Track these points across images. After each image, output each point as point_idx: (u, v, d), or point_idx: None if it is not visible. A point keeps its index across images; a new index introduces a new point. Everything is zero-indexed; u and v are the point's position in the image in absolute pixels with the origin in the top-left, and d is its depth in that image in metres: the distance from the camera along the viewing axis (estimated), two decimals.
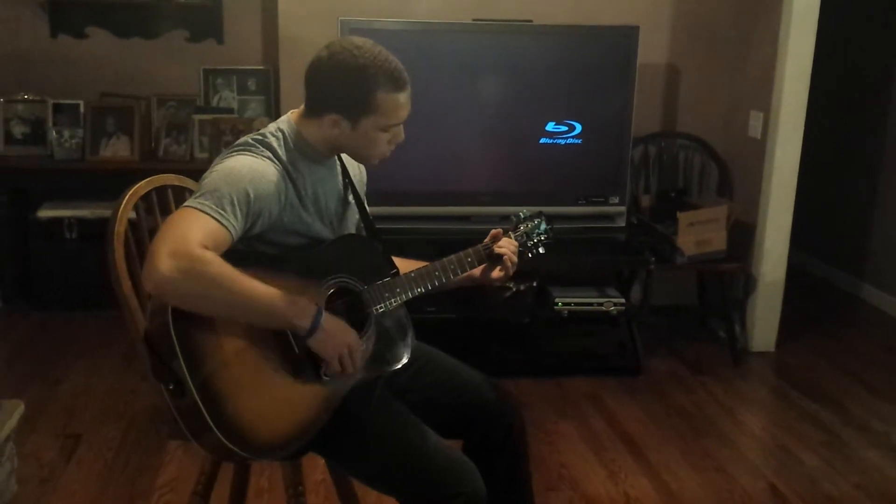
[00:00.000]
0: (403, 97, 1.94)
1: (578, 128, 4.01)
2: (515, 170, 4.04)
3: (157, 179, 2.21)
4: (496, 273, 2.18)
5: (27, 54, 4.52)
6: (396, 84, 1.91)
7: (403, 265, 2.14)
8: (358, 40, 1.92)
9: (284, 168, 1.93)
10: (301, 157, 1.98)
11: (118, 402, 3.51)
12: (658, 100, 4.48)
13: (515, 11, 4.12)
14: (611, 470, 3.14)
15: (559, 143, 4.01)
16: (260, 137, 1.96)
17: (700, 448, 3.32)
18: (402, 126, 1.99)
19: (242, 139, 1.97)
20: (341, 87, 1.90)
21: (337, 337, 1.85)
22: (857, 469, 3.21)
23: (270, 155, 1.92)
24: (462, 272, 2.15)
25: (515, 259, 2.19)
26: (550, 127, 3.99)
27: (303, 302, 1.81)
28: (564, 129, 4.01)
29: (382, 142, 1.98)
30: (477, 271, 2.18)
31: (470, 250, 2.17)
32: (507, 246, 2.19)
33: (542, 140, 4.00)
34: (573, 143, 4.02)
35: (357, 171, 2.20)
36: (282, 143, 1.96)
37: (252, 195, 1.83)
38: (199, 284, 1.70)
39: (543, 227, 2.30)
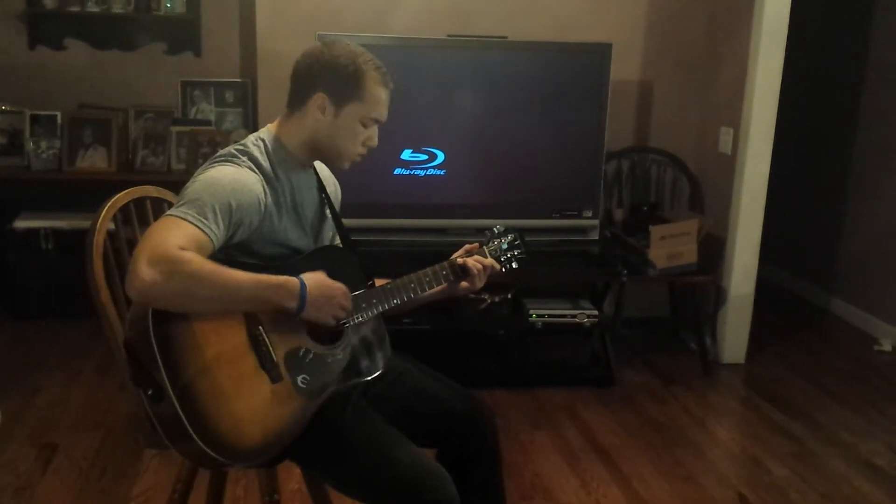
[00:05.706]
0: (386, 95, 2.05)
1: (552, 143, 4.05)
2: (490, 183, 4.07)
3: (136, 191, 2.24)
4: (464, 285, 2.22)
5: (5, 65, 4.52)
6: (384, 80, 2.04)
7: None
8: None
9: (265, 176, 1.98)
10: (281, 164, 2.02)
11: (95, 411, 3.51)
12: (631, 115, 4.54)
13: (491, 28, 4.17)
14: (583, 479, 3.18)
15: (533, 157, 4.05)
16: (241, 147, 2.01)
17: (671, 458, 3.37)
18: (377, 131, 2.07)
19: (225, 150, 2.02)
20: (335, 68, 2.00)
21: (326, 303, 1.92)
22: (825, 480, 3.26)
23: (252, 164, 1.97)
24: (437, 284, 2.18)
25: (481, 268, 2.20)
26: (524, 141, 4.04)
27: (286, 283, 1.86)
28: (538, 143, 4.05)
29: (359, 139, 2.05)
30: (447, 284, 2.21)
31: (445, 263, 2.20)
32: (478, 260, 2.22)
33: (517, 154, 4.04)
34: (547, 158, 4.06)
35: (333, 188, 2.25)
36: (263, 151, 2.01)
37: (234, 205, 1.87)
38: (182, 283, 1.74)
39: (517, 242, 2.32)
